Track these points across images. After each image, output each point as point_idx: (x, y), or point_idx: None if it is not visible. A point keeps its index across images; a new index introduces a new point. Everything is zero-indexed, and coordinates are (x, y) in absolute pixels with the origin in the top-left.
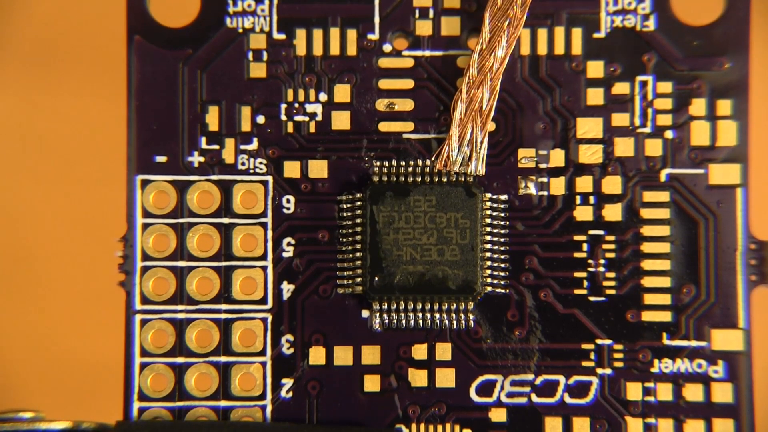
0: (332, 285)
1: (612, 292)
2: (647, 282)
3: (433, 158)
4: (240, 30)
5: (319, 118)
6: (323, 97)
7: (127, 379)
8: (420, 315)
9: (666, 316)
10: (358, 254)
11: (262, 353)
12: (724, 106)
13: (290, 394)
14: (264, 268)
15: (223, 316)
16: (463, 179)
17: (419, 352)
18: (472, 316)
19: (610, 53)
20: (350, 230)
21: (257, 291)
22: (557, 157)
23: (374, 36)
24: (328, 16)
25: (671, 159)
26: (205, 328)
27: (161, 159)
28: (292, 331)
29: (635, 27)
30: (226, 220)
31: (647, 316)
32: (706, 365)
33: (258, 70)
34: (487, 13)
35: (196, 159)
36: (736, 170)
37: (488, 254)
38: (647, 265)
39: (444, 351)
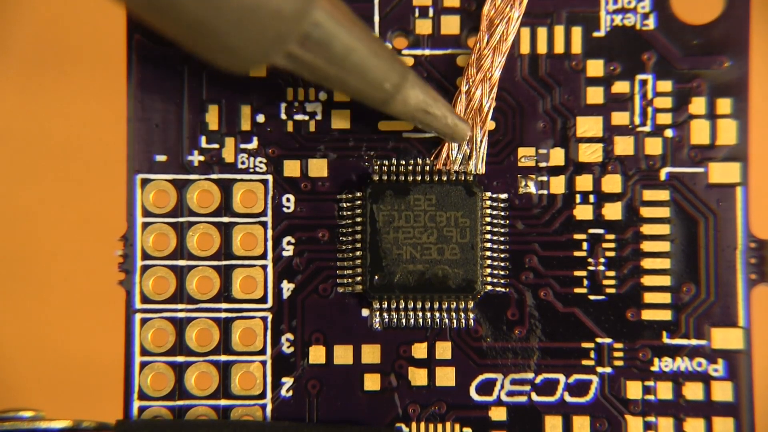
0: (332, 284)
1: (612, 290)
2: (647, 281)
3: (432, 157)
4: None
5: (319, 117)
6: (323, 96)
7: (127, 378)
8: (420, 314)
9: (666, 315)
10: (358, 253)
11: (262, 352)
12: (724, 105)
13: (290, 393)
14: (264, 267)
15: (223, 315)
16: (463, 178)
17: (419, 350)
18: (472, 315)
19: (610, 52)
20: (350, 229)
21: (257, 290)
22: (557, 156)
23: None
24: None
25: (671, 158)
26: (205, 327)
27: (161, 158)
28: (292, 330)
29: (635, 26)
30: (226, 219)
31: (647, 315)
32: (706, 364)
33: (258, 69)
34: (484, 12)
35: (196, 158)
36: (736, 169)
37: (488, 253)
38: (647, 263)
39: (444, 350)
